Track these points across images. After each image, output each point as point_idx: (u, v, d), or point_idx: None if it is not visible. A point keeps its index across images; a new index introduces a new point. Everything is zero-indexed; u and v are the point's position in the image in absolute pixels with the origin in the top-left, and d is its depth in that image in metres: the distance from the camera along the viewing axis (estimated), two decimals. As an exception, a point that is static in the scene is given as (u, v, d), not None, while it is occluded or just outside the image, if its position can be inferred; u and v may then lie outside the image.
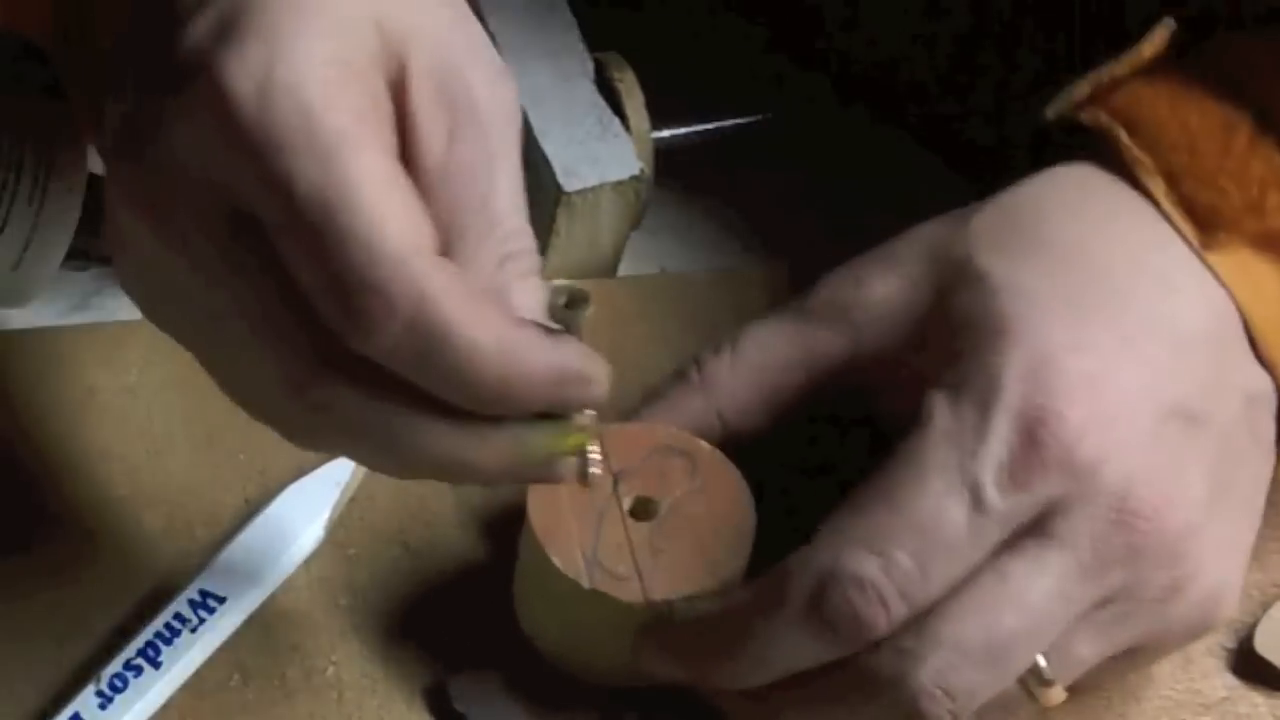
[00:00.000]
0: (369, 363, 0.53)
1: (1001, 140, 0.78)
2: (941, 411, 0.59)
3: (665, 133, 0.78)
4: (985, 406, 0.59)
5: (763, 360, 0.64)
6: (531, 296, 0.55)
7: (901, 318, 0.63)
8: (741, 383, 0.63)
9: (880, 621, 0.58)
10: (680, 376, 0.65)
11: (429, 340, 0.52)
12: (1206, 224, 0.62)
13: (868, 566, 0.57)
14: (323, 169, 0.51)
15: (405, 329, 0.52)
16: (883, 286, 0.63)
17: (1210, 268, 0.62)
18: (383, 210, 0.52)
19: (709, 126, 0.80)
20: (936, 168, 0.80)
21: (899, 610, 0.58)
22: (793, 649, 0.58)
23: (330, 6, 0.53)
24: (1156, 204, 0.63)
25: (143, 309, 0.57)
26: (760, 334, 0.64)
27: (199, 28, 0.53)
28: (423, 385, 0.53)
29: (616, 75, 0.76)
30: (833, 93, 0.83)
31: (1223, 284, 0.62)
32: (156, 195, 0.54)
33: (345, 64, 0.53)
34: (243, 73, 0.52)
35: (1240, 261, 0.62)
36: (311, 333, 0.53)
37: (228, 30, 0.53)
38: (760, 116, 0.81)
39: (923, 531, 0.58)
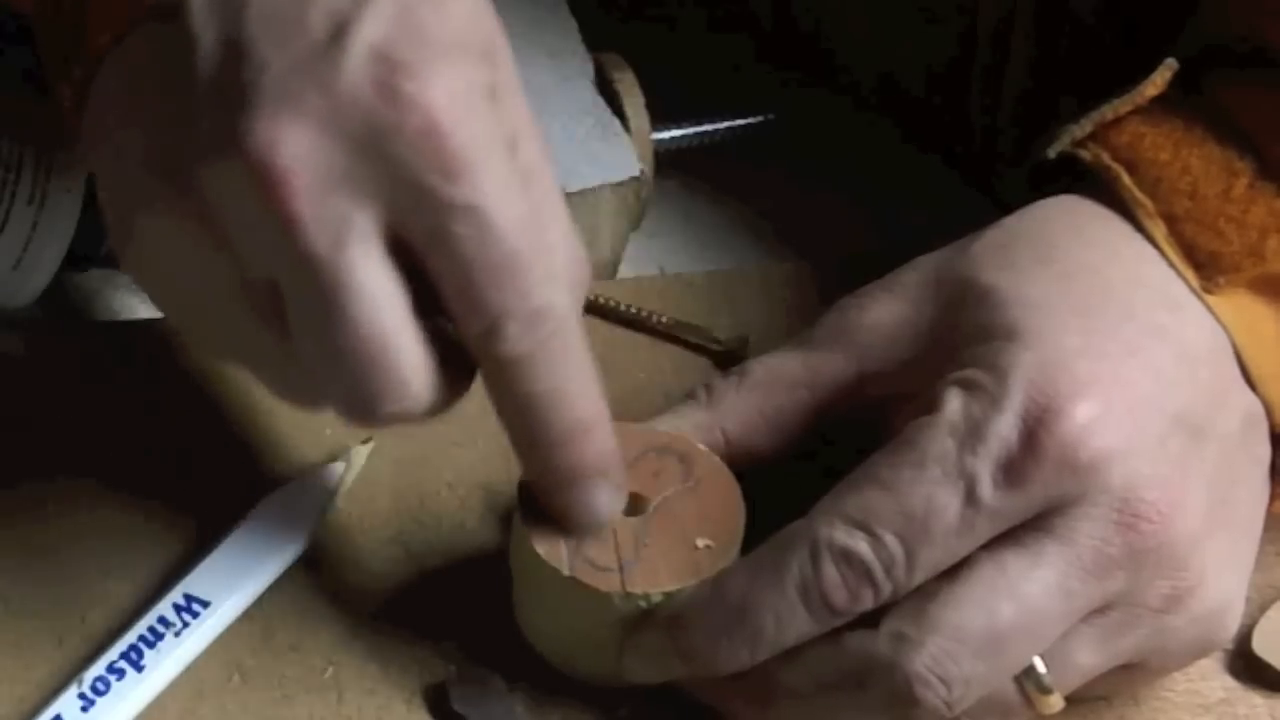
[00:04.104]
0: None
1: (995, 143, 0.78)
2: (950, 404, 0.59)
3: (665, 133, 0.78)
4: (992, 404, 0.59)
5: (768, 380, 0.64)
6: None
7: (904, 337, 0.63)
8: (746, 400, 0.64)
9: (866, 597, 0.58)
10: (689, 397, 0.65)
11: (559, 355, 0.58)
12: (1206, 267, 0.63)
13: (857, 543, 0.58)
14: (523, 202, 0.56)
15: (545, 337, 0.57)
16: (885, 309, 0.64)
17: (1209, 309, 0.63)
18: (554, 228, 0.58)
19: (709, 127, 0.80)
20: (937, 169, 0.80)
21: (885, 588, 0.58)
22: (782, 620, 0.59)
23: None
24: (1156, 246, 0.63)
25: (158, 300, 0.60)
26: (767, 359, 0.65)
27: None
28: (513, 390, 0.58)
29: (616, 75, 0.76)
30: (832, 94, 0.83)
31: (1221, 325, 0.62)
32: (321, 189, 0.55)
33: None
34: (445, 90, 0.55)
35: (1239, 304, 0.63)
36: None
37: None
38: (760, 117, 0.81)
39: (913, 517, 0.58)
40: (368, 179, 0.55)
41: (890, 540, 0.58)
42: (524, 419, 0.59)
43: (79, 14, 0.59)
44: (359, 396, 0.57)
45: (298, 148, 0.54)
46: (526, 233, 0.56)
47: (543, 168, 0.58)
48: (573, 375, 0.58)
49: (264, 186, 0.54)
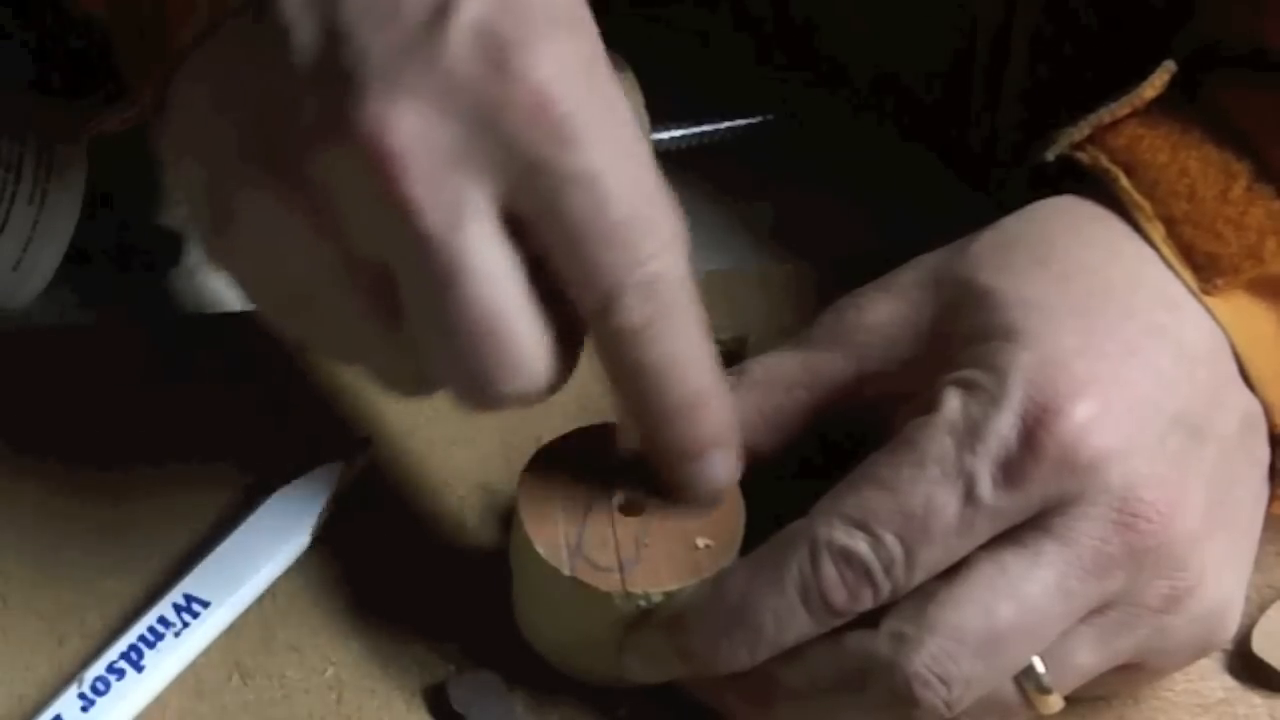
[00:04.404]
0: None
1: (994, 143, 0.78)
2: (949, 404, 0.60)
3: (665, 133, 0.78)
4: (991, 403, 0.59)
5: (767, 380, 0.64)
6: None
7: (903, 337, 0.63)
8: (745, 400, 0.64)
9: (866, 597, 0.59)
10: None
11: (676, 324, 0.58)
12: (1204, 269, 0.63)
13: (857, 542, 0.58)
14: (633, 169, 0.57)
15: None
16: (884, 309, 0.64)
17: (1208, 310, 0.63)
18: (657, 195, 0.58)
19: (709, 127, 0.80)
20: (937, 169, 0.80)
21: (884, 588, 0.59)
22: (781, 620, 0.59)
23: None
24: (1155, 247, 0.63)
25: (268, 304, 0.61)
26: (765, 360, 0.65)
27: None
28: (632, 368, 0.58)
29: (616, 75, 0.76)
30: (831, 93, 0.83)
31: (1220, 326, 0.63)
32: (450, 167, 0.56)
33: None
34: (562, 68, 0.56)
35: (1237, 305, 0.63)
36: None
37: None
38: (760, 117, 0.81)
39: (912, 517, 0.58)
40: (480, 155, 0.55)
41: (890, 540, 0.58)
42: (640, 390, 0.59)
43: (158, 12, 0.60)
44: (479, 378, 0.57)
45: (410, 128, 0.55)
46: (638, 200, 0.57)
47: (638, 136, 0.59)
48: (689, 344, 0.59)
49: (378, 169, 0.55)
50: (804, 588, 0.59)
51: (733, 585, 0.60)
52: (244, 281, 0.61)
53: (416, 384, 0.60)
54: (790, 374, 0.64)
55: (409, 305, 0.57)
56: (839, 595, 0.58)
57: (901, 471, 0.59)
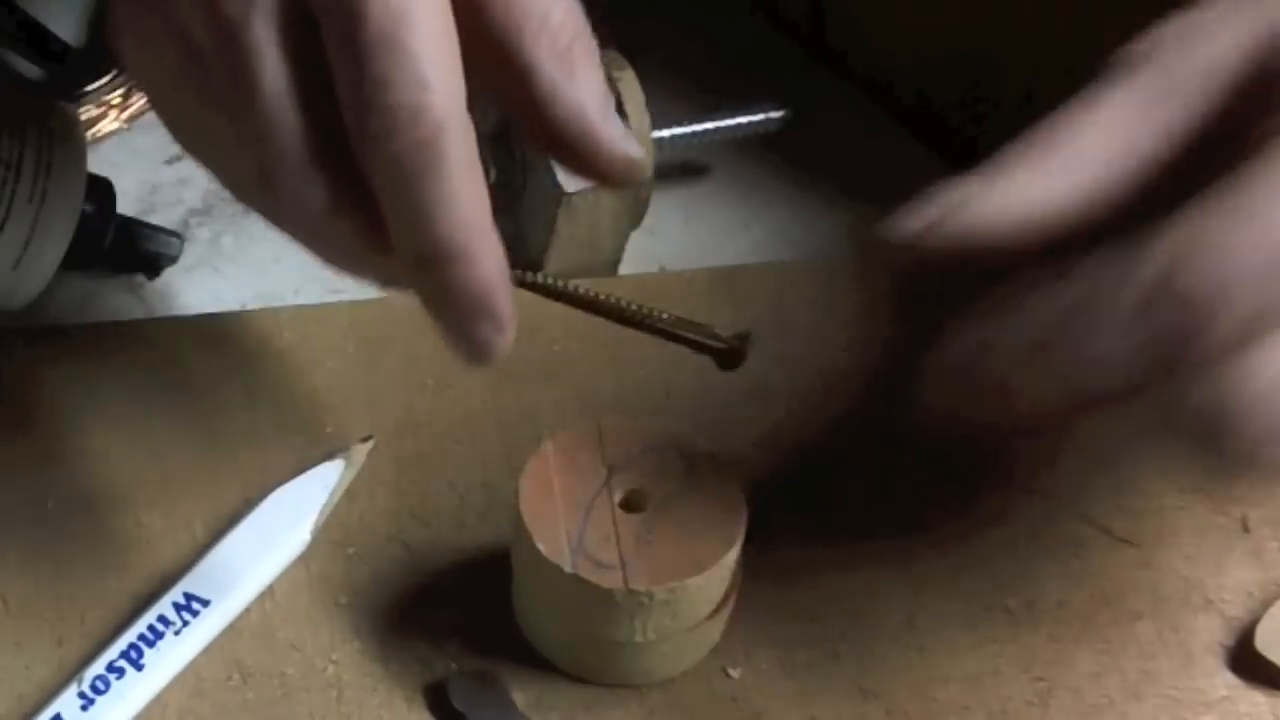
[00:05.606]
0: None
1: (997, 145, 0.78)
2: None
3: (665, 133, 0.78)
4: None
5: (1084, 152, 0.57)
6: (594, 85, 0.59)
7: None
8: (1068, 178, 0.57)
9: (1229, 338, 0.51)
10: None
11: (429, 160, 0.53)
12: None
13: (1213, 276, 0.50)
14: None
15: (416, 145, 0.53)
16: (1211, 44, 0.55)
17: None
18: (441, 37, 0.54)
19: (709, 126, 0.80)
20: (940, 169, 0.80)
21: (1236, 329, 0.51)
22: (1106, 358, 0.52)
23: None
24: None
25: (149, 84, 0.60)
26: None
27: None
28: (400, 199, 0.54)
29: (616, 74, 0.76)
30: (834, 92, 0.83)
31: None
32: None
33: None
34: None
35: None
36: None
37: None
38: (762, 116, 0.81)
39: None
40: None
41: (1251, 274, 0.50)
42: (395, 228, 0.55)
43: None
44: (263, 175, 0.55)
45: None
46: (427, 32, 0.53)
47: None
48: (443, 190, 0.53)
49: None
50: (1143, 323, 0.51)
51: (1056, 304, 0.53)
52: (150, 96, 0.61)
53: (253, 186, 0.57)
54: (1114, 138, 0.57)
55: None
56: (1186, 336, 0.51)
57: (1256, 197, 0.51)
